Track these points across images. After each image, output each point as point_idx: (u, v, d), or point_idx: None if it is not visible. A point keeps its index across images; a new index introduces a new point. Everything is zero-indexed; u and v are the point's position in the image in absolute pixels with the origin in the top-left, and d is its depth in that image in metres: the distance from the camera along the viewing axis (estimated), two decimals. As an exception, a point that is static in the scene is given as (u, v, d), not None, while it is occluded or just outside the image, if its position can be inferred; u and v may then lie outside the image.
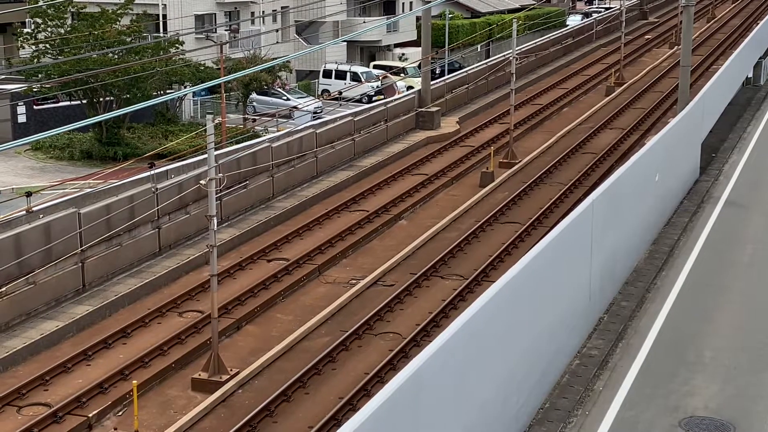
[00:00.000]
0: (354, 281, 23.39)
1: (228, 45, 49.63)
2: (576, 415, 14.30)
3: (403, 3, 71.15)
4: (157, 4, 54.33)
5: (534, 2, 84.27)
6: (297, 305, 22.21)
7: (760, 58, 48.59)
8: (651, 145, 21.94)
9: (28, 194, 21.39)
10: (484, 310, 12.09)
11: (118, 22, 43.42)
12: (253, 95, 49.71)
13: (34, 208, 21.15)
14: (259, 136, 34.91)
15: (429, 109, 38.35)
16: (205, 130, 18.29)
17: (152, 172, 24.18)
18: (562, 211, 27.19)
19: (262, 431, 16.81)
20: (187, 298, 22.22)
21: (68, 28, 43.35)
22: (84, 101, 42.59)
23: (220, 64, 42.56)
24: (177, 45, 44.67)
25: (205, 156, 19.54)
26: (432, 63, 45.31)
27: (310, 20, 63.24)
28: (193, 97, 50.46)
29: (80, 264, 22.04)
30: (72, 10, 44.78)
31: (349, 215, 28.17)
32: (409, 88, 49.55)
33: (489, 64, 45.69)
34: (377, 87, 53.71)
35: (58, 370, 18.78)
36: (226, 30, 55.86)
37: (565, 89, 46.17)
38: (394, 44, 68.89)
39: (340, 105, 48.68)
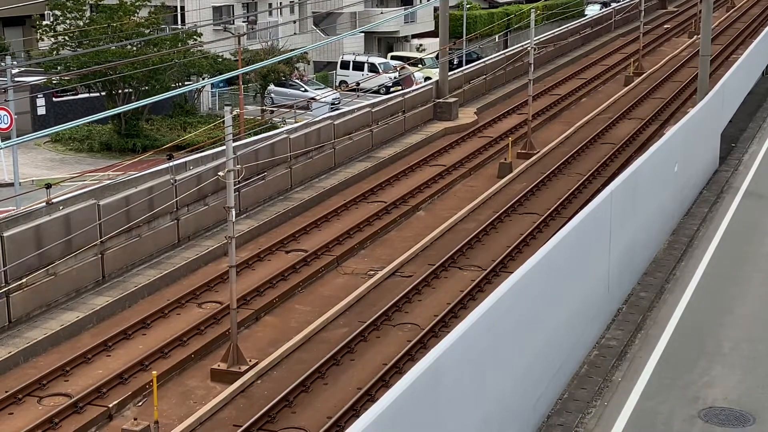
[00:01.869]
0: (372, 272, 23.42)
1: (246, 36, 49.68)
2: (594, 406, 14.29)
3: (420, -7, 71.01)
4: (175, -4, 54.45)
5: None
6: (315, 296, 22.26)
7: (780, 47, 48.16)
8: (670, 135, 21.84)
9: (48, 186, 21.52)
10: (502, 301, 12.09)
11: (136, 14, 43.55)
12: (271, 86, 49.77)
13: (54, 200, 21.28)
14: (277, 128, 34.96)
15: (447, 100, 38.29)
16: (224, 122, 18.34)
17: (171, 164, 24.27)
18: (580, 202, 27.11)
19: (281, 421, 16.87)
20: (206, 289, 22.31)
21: (87, 20, 43.53)
22: (103, 93, 42.76)
23: (238, 56, 42.63)
24: (195, 37, 44.76)
25: (224, 147, 19.59)
26: (450, 54, 45.21)
27: (328, 11, 63.21)
28: (211, 88, 50.57)
29: (100, 255, 22.17)
30: (91, 2, 44.99)
31: (367, 206, 28.19)
32: (427, 78, 49.46)
33: (507, 54, 45.56)
34: (395, 78, 53.65)
35: (79, 361, 18.91)
36: (243, 21, 55.90)
37: (584, 79, 45.99)
38: (412, 35, 68.76)
39: (358, 96, 48.66)
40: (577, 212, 19.23)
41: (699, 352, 15.97)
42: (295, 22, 59.04)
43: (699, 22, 38.84)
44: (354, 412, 16.72)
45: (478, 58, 51.67)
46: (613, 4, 70.21)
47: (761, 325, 17.12)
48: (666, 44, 56.61)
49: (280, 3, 60.02)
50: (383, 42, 68.67)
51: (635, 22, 56.55)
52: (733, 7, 69.17)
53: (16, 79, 36.18)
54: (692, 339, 16.49)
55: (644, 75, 46.47)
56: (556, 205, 27.41)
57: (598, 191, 23.10)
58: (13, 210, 23.94)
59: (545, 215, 26.60)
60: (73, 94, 46.47)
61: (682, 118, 24.26)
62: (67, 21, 43.45)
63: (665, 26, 62.61)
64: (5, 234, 20.03)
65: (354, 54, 58.61)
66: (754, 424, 13.70)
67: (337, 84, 56.06)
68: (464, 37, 59.75)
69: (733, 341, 16.40)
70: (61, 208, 21.33)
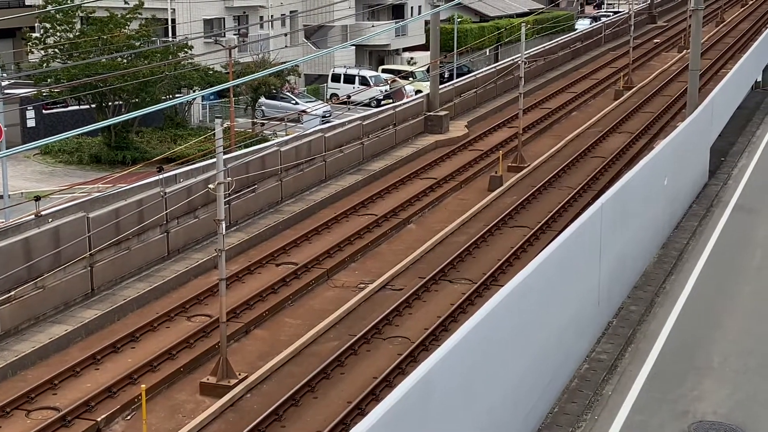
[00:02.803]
0: (363, 285, 23.39)
1: (237, 49, 49.69)
2: (585, 420, 14.26)
3: (411, 7, 71.20)
4: (166, 9, 54.46)
5: (543, 6, 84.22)
6: (306, 309, 22.21)
7: (769, 62, 48.41)
8: (660, 149, 21.89)
9: (37, 198, 21.47)
10: (493, 314, 12.07)
11: (127, 27, 43.52)
12: (262, 99, 49.79)
13: (43, 212, 21.21)
14: (268, 140, 34.94)
15: (437, 113, 38.35)
16: (214, 134, 18.31)
17: (161, 176, 24.23)
18: (570, 215, 27.15)
19: (270, 435, 16.80)
20: (195, 302, 22.24)
21: (77, 33, 43.48)
22: (93, 105, 42.70)
23: (229, 68, 42.62)
24: (186, 49, 44.74)
25: (214, 160, 19.57)
26: (441, 67, 45.30)
27: (319, 24, 63.30)
28: (202, 101, 50.54)
29: (89, 268, 22.09)
30: (81, 14, 44.92)
31: (357, 219, 28.18)
32: (418, 92, 49.55)
33: (497, 68, 45.69)
34: (386, 91, 53.73)
35: (67, 374, 18.81)
36: (234, 34, 55.93)
37: (574, 93, 46.13)
38: (403, 48, 68.90)
39: (349, 109, 48.70)
40: (567, 226, 19.23)
41: (689, 365, 15.97)
42: (286, 34, 59.13)
43: (688, 37, 38.98)
44: (344, 426, 16.66)
45: (469, 72, 51.80)
46: (603, 19, 70.49)
47: (751, 339, 17.13)
48: (656, 59, 56.83)
49: (272, 16, 60.08)
50: (374, 55, 68.78)
51: (625, 37, 56.76)
52: (722, 22, 69.52)
53: (5, 91, 36.07)
54: (682, 353, 16.49)
55: (634, 89, 46.64)
56: (546, 219, 27.43)
57: (589, 205, 23.12)
58: (2, 222, 23.83)
59: (536, 228, 26.62)
60: (62, 107, 46.40)
61: (672, 132, 24.32)
62: (57, 33, 43.40)
63: (655, 41, 62.88)
64: (-6, 246, 19.94)
65: (345, 67, 58.69)
66: (744, 438, 13.70)
67: (328, 97, 56.11)
68: (455, 51, 59.90)
69: (722, 355, 16.41)
70: (50, 220, 21.25)
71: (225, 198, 18.61)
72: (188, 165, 25.79)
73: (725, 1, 77.24)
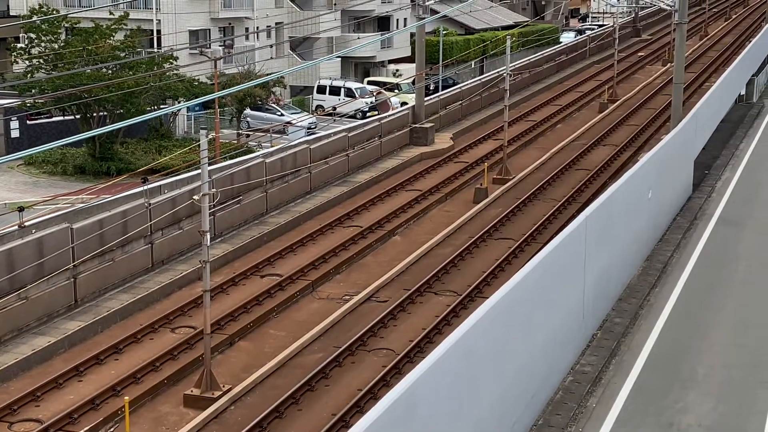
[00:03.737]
0: (348, 297, 23.36)
1: (222, 60, 49.65)
2: (569, 432, 14.26)
3: (397, 19, 71.34)
4: (152, 20, 54.39)
5: (528, 19, 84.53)
6: (290, 321, 22.16)
7: (752, 76, 48.75)
8: (644, 161, 21.96)
9: (21, 209, 21.35)
10: (478, 326, 12.06)
11: (112, 38, 43.43)
12: (247, 110, 49.74)
13: (26, 223, 21.10)
14: (253, 152, 34.90)
15: (423, 125, 38.40)
16: (199, 146, 18.27)
17: (145, 188, 24.15)
18: (555, 228, 27.20)
19: (254, 448, 16.73)
20: (179, 314, 22.16)
21: (62, 43, 43.37)
22: (77, 116, 42.54)
23: (215, 80, 42.58)
24: (171, 60, 44.67)
25: (199, 171, 19.53)
26: (426, 79, 45.38)
27: (305, 36, 63.35)
28: (187, 112, 50.45)
29: (72, 279, 21.98)
30: (66, 25, 44.81)
31: (343, 231, 28.16)
32: (404, 104, 49.58)
33: (483, 80, 45.80)
34: (371, 103, 53.78)
35: (50, 386, 18.70)
36: (220, 45, 55.90)
37: (559, 106, 46.28)
38: (389, 60, 69.01)
39: (334, 121, 48.69)
40: (552, 238, 19.27)
41: (673, 378, 15.99)
42: (271, 46, 59.12)
43: (673, 50, 39.17)
44: (328, 438, 16.60)
45: (454, 84, 51.90)
46: (588, 32, 70.81)
47: (735, 351, 17.18)
48: (640, 72, 57.12)
49: (257, 27, 60.09)
50: (360, 67, 68.87)
51: (610, 50, 57.05)
52: (706, 36, 69.95)
53: (-11, 101, 35.97)
54: (666, 365, 16.52)
55: (618, 102, 46.84)
56: (531, 231, 27.47)
57: (573, 217, 23.17)
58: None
59: (521, 240, 26.66)
60: (47, 117, 46.21)
61: (656, 144, 24.42)
62: (42, 44, 43.28)
63: (639, 54, 63.19)
64: (-23, 257, 19.83)
65: (330, 79, 58.71)
66: (728, 451, 13.72)
67: (314, 108, 56.11)
68: (440, 63, 60.02)
69: (707, 367, 16.44)
70: (33, 231, 21.15)
71: (210, 209, 18.56)
72: (173, 176, 25.73)
73: (709, 15, 77.73)
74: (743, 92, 48.12)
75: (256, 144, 43.76)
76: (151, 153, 43.97)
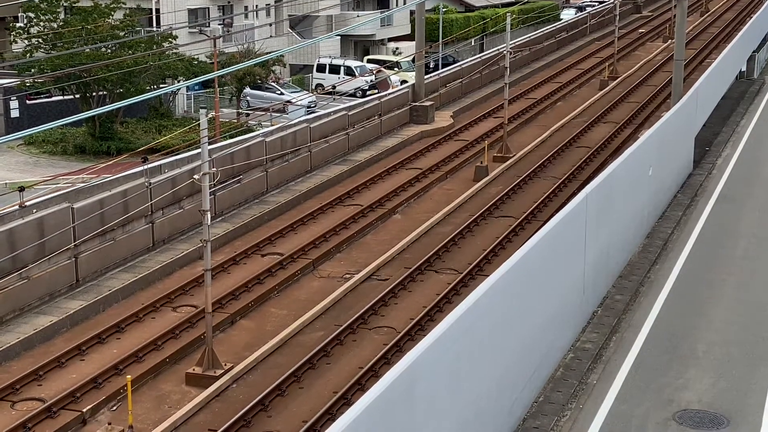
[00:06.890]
0: (348, 276, 23.39)
1: (221, 39, 49.52)
2: (570, 409, 14.32)
3: (396, -3, 71.07)
4: (151, -1, 54.22)
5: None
6: (291, 300, 22.21)
7: (753, 52, 48.59)
8: (644, 138, 21.95)
9: (21, 189, 21.36)
10: (478, 304, 12.10)
11: (111, 17, 43.31)
12: (247, 90, 49.63)
13: (27, 203, 21.11)
14: (253, 131, 34.87)
15: (423, 104, 38.32)
16: (199, 125, 18.26)
17: (146, 167, 24.15)
18: (556, 205, 27.21)
19: (256, 426, 16.81)
20: (181, 293, 22.20)
21: (61, 23, 43.25)
22: (77, 96, 42.49)
23: (214, 59, 42.48)
24: (170, 39, 44.56)
25: (199, 150, 19.52)
26: (426, 57, 45.26)
27: (304, 14, 63.13)
28: (186, 91, 50.36)
29: (74, 259, 22.01)
30: (65, 4, 44.68)
31: (343, 210, 28.16)
32: (403, 82, 49.50)
33: (483, 58, 45.67)
34: (371, 81, 53.66)
35: (52, 365, 18.76)
36: (219, 24, 55.73)
37: (559, 83, 46.17)
38: (388, 38, 68.79)
39: (334, 99, 48.60)
40: (552, 215, 19.29)
41: (673, 354, 16.05)
42: (271, 24, 58.93)
43: (673, 27, 39.06)
44: (330, 416, 16.68)
45: (455, 62, 51.76)
46: (589, 9, 70.55)
47: (735, 328, 17.23)
48: (640, 48, 56.94)
49: (256, 6, 59.87)
50: (359, 45, 68.66)
51: (610, 27, 56.89)
52: (707, 12, 69.68)
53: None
54: (667, 342, 16.58)
55: (619, 79, 46.72)
56: (531, 209, 27.48)
57: (574, 194, 23.18)
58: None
59: (521, 218, 26.67)
60: (47, 97, 46.15)
61: (657, 122, 24.39)
62: (41, 23, 43.16)
63: (640, 30, 62.97)
64: (-22, 237, 19.86)
65: (330, 57, 58.57)
66: (728, 427, 13.79)
67: (314, 87, 56.00)
68: (440, 41, 59.85)
69: (707, 344, 16.50)
70: (34, 211, 21.16)
71: (210, 188, 18.57)
72: (173, 155, 25.71)
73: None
74: (744, 69, 48.01)
75: (256, 123, 43.73)
76: (151, 132, 43.95)
